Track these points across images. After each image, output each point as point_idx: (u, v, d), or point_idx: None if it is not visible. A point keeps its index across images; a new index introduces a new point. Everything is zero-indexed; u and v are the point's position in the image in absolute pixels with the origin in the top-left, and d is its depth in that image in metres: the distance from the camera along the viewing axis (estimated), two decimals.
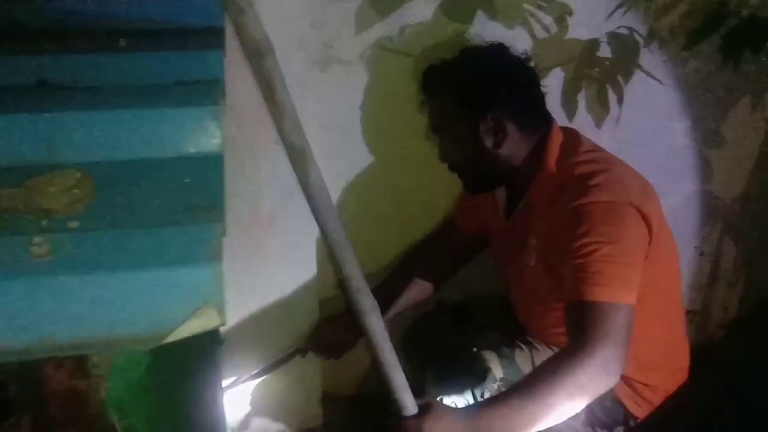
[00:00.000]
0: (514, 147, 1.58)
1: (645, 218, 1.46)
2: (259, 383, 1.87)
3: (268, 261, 1.81)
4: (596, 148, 1.61)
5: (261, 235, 1.78)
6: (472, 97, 1.58)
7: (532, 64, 1.68)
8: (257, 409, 1.94)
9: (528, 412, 1.30)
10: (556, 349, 1.67)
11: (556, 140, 1.59)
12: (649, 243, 1.47)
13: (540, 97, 1.66)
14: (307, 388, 2.00)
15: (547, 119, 1.64)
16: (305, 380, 1.97)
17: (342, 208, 1.94)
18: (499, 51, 1.64)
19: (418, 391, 1.56)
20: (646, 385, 1.57)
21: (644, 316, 1.45)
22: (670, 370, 1.64)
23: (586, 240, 1.40)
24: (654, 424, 1.41)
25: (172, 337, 0.69)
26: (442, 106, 1.64)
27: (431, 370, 1.70)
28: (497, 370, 1.63)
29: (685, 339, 1.72)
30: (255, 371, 1.83)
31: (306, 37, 1.74)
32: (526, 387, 1.34)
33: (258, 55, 0.99)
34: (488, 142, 1.58)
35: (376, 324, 1.19)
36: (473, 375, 1.63)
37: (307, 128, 1.65)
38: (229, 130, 1.68)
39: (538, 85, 1.66)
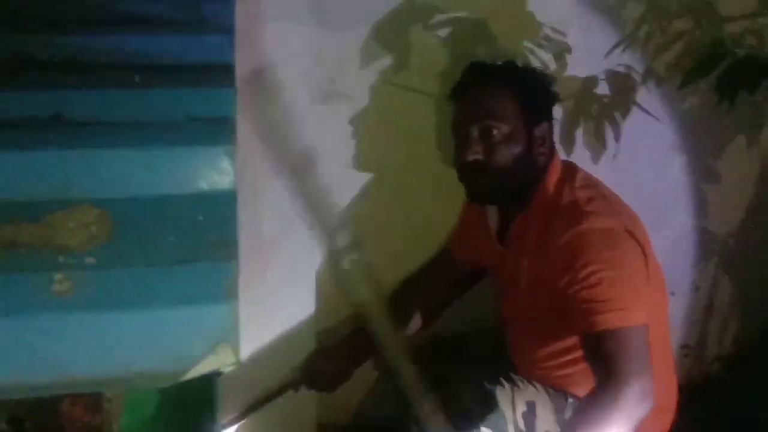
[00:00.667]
0: (543, 160, 1.61)
1: (639, 244, 1.48)
2: (252, 416, 1.86)
3: (267, 292, 1.80)
4: (592, 178, 1.64)
5: (260, 266, 1.79)
6: (537, 100, 1.62)
7: None
8: None
9: None
10: (538, 386, 1.66)
11: (557, 165, 1.62)
12: (645, 263, 1.49)
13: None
14: (301, 420, 1.98)
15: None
16: (299, 412, 1.96)
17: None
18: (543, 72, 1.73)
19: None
20: None
21: None
22: (657, 408, 1.63)
23: (589, 269, 1.41)
24: None
25: (189, 375, 0.70)
26: (507, 99, 1.59)
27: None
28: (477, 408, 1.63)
29: (673, 376, 1.72)
30: (248, 405, 1.81)
31: (309, 71, 1.77)
32: None
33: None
34: (535, 150, 1.60)
35: None
36: (456, 411, 1.62)
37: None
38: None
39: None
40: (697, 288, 2.37)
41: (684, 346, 2.43)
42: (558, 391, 1.66)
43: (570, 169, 1.64)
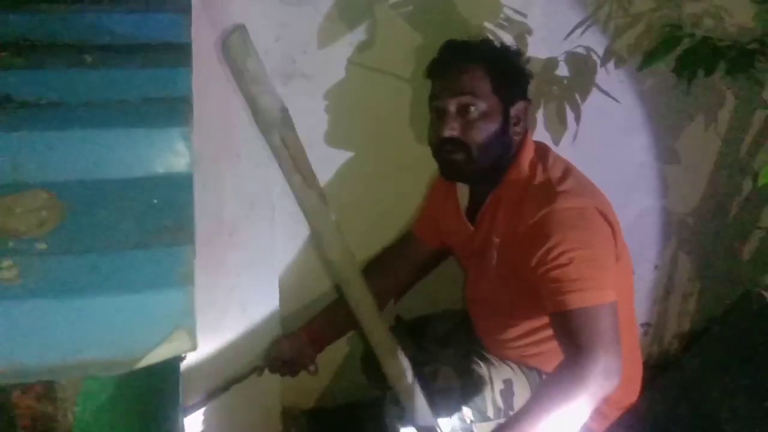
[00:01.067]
0: (517, 139, 1.63)
1: (609, 224, 1.50)
2: (217, 401, 1.85)
3: (229, 274, 1.79)
4: (562, 159, 1.67)
5: (222, 247, 1.77)
6: (513, 79, 1.64)
7: None
8: (217, 428, 1.91)
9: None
10: (513, 365, 1.68)
11: (530, 144, 1.64)
12: (615, 242, 1.52)
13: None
14: (266, 404, 1.98)
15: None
16: (264, 396, 1.96)
17: (303, 219, 1.95)
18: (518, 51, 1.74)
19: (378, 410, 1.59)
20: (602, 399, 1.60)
21: None
22: (625, 379, 1.66)
23: (560, 249, 1.44)
24: None
25: (144, 362, 0.68)
26: (481, 77, 1.60)
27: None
28: (457, 386, 1.65)
29: (638, 351, 1.75)
30: (213, 389, 1.81)
31: (270, 51, 1.74)
32: (538, 409, 1.38)
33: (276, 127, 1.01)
34: (512, 126, 1.62)
35: None
36: (435, 392, 1.64)
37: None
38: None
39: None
40: (656, 266, 2.41)
41: (644, 324, 2.47)
42: (531, 368, 1.68)
43: (542, 149, 1.66)
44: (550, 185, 1.52)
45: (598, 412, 1.59)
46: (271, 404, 2.00)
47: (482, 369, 1.67)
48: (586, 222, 1.47)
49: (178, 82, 0.95)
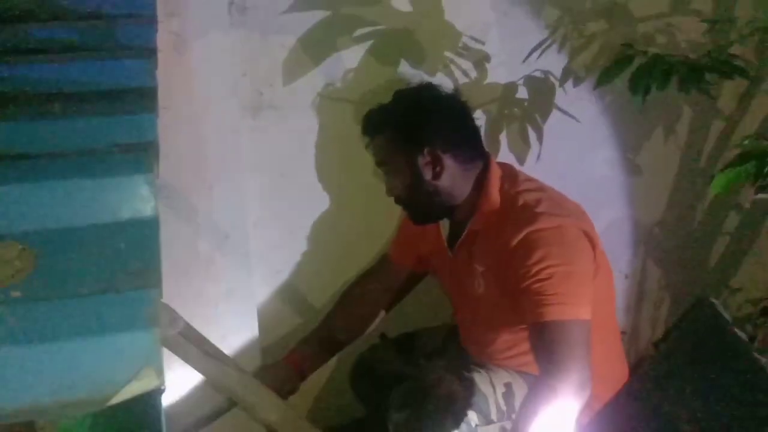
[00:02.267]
0: (452, 178, 1.66)
1: (588, 238, 1.58)
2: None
3: (207, 305, 1.82)
4: (532, 179, 1.71)
5: (199, 279, 1.81)
6: (408, 134, 1.66)
7: (463, 99, 1.76)
8: None
9: None
10: (509, 370, 1.72)
11: (495, 172, 1.68)
12: (594, 259, 1.58)
13: (474, 130, 1.74)
14: (251, 428, 2.00)
15: (483, 152, 1.73)
16: (249, 422, 1.98)
17: (279, 248, 1.99)
18: (428, 89, 1.73)
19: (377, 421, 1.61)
20: (594, 395, 1.63)
21: (600, 329, 1.55)
22: (611, 379, 1.70)
23: (542, 265, 1.49)
24: None
25: (115, 400, 0.72)
26: (383, 144, 1.70)
27: (397, 394, 1.72)
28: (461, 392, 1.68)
29: (623, 356, 1.82)
30: (197, 421, 1.82)
31: (237, 85, 1.79)
32: (523, 423, 1.45)
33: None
34: (427, 175, 1.65)
35: None
36: (441, 398, 1.67)
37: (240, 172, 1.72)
38: (164, 175, 1.72)
39: (471, 119, 1.75)
40: (626, 276, 2.46)
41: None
42: (525, 373, 1.71)
43: (510, 174, 1.70)
44: (528, 208, 1.57)
45: (588, 408, 1.62)
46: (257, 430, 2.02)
47: (482, 374, 1.71)
48: (566, 239, 1.53)
49: (143, 127, 0.99)
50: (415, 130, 1.66)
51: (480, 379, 1.69)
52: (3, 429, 0.73)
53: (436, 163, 1.64)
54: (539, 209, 1.56)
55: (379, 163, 1.73)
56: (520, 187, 1.64)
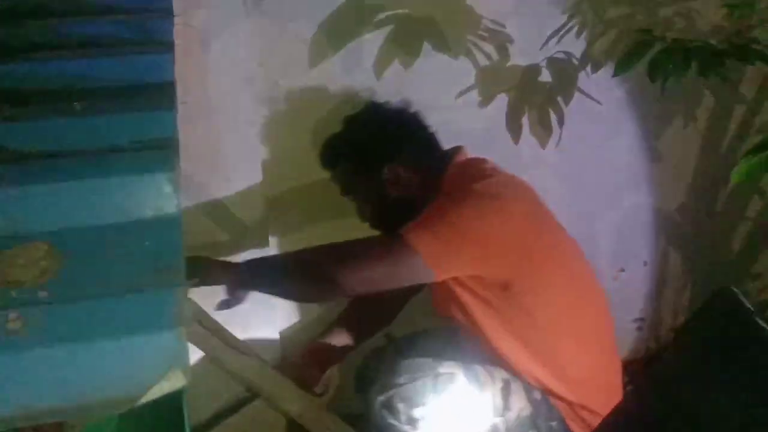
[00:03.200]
0: (417, 186, 1.66)
1: (522, 219, 1.53)
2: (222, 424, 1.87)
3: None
4: (498, 173, 1.65)
5: None
6: (363, 160, 1.68)
7: (411, 109, 1.74)
8: None
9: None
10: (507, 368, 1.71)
11: (451, 169, 1.65)
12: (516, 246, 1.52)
13: (427, 137, 1.73)
14: (271, 421, 2.01)
15: (442, 154, 1.71)
16: (269, 414, 1.98)
17: (299, 238, 1.99)
18: (374, 110, 1.74)
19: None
20: (583, 406, 1.61)
21: (566, 332, 1.55)
22: (600, 386, 1.66)
23: (440, 202, 1.51)
24: None
25: (142, 401, 0.73)
26: (343, 175, 1.73)
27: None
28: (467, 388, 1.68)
29: (615, 356, 1.74)
30: (217, 414, 1.83)
31: (253, 75, 1.79)
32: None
33: None
34: (392, 191, 1.66)
35: None
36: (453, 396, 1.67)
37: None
38: (182, 168, 1.72)
39: (422, 127, 1.73)
40: (646, 263, 2.45)
41: (638, 320, 2.51)
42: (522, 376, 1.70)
43: (475, 167, 1.66)
44: (466, 186, 1.55)
45: (581, 420, 1.62)
46: (276, 422, 2.03)
47: (484, 371, 1.70)
48: (476, 204, 1.50)
49: (164, 123, 1.00)
50: (369, 155, 1.67)
51: (484, 375, 1.67)
52: (31, 429, 0.74)
53: (398, 179, 1.65)
54: (474, 186, 1.54)
55: (344, 193, 1.75)
56: (476, 179, 1.59)
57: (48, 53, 1.12)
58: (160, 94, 1.09)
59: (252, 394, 1.78)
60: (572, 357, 1.59)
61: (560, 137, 2.12)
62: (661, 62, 1.70)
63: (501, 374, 1.69)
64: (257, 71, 1.82)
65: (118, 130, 0.97)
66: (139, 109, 1.03)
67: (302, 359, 1.83)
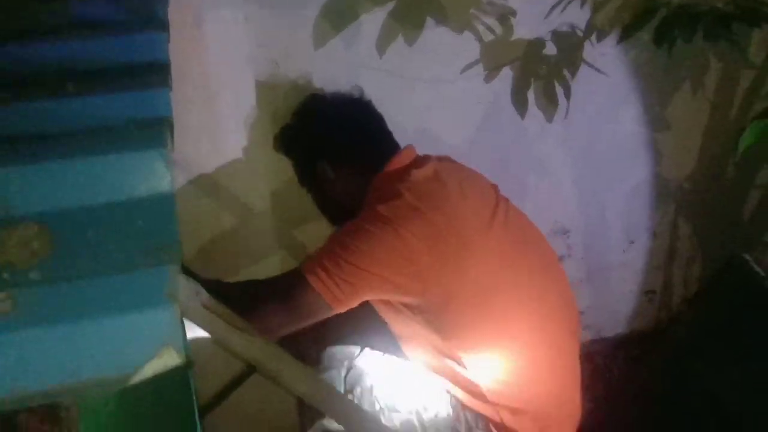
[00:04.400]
0: (350, 185, 1.60)
1: (425, 237, 1.42)
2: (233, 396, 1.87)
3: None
4: (442, 171, 1.56)
5: (223, 256, 1.81)
6: (300, 154, 1.67)
7: (358, 98, 1.69)
8: (234, 422, 1.94)
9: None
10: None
11: (379, 178, 1.56)
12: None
13: (369, 132, 1.65)
14: (282, 396, 2.01)
15: (383, 150, 1.61)
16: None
17: (302, 219, 1.98)
18: (311, 102, 1.71)
19: None
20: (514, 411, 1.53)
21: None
22: (558, 398, 1.57)
23: (349, 223, 1.45)
24: (608, 411, 1.46)
25: (136, 379, 0.72)
26: (293, 166, 1.71)
27: None
28: None
29: (569, 367, 1.60)
30: (216, 394, 1.82)
31: (253, 55, 1.78)
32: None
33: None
34: (327, 188, 1.63)
35: None
36: None
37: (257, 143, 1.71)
38: (183, 150, 1.71)
39: (364, 121, 1.67)
40: (655, 234, 2.43)
41: (649, 292, 2.50)
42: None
43: (411, 166, 1.57)
44: (373, 204, 1.47)
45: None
46: (287, 396, 2.02)
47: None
48: (372, 227, 1.41)
49: (157, 103, 0.98)
50: (304, 149, 1.65)
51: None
52: (26, 412, 0.74)
53: (328, 176, 1.61)
54: (379, 206, 1.44)
55: (301, 184, 1.72)
56: (385, 198, 1.48)
57: (37, 35, 1.11)
58: (154, 74, 1.07)
59: (249, 370, 1.77)
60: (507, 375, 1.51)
61: (567, 110, 2.09)
62: (667, 28, 1.67)
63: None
64: (257, 52, 1.80)
65: (112, 110, 0.96)
66: (133, 88, 1.02)
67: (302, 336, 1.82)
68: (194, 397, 0.87)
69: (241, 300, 1.35)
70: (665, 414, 1.17)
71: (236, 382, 1.74)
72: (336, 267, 1.38)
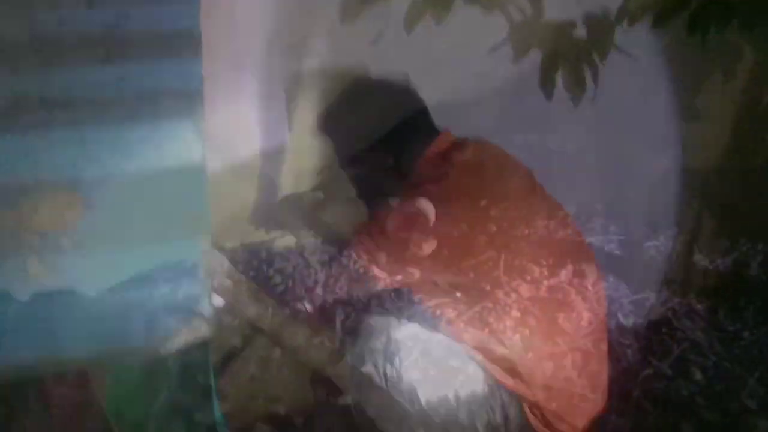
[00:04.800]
0: (392, 169, 1.59)
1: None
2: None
3: None
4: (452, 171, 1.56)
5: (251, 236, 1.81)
6: (342, 137, 1.61)
7: (401, 87, 1.63)
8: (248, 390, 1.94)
9: None
10: None
11: (422, 161, 1.57)
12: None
13: (410, 118, 1.59)
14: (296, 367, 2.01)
15: (425, 134, 1.59)
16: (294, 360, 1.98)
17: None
18: (360, 85, 1.63)
19: None
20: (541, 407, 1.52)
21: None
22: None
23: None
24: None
25: (167, 348, 0.73)
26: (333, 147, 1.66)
27: None
28: None
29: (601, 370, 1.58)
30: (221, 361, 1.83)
31: (281, 30, 1.77)
32: None
33: None
34: (368, 171, 1.60)
35: None
36: None
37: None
38: (212, 128, 1.72)
39: (407, 107, 1.61)
40: (678, 224, 2.40)
41: (670, 281, 2.47)
42: None
43: None
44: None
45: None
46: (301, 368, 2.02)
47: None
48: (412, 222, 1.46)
49: (188, 72, 0.98)
50: (350, 132, 1.60)
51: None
52: (54, 379, 0.74)
53: (373, 159, 1.59)
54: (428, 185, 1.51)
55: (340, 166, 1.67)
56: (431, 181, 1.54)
57: (76, 3, 1.11)
58: (185, 44, 1.07)
59: (247, 339, 1.78)
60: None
61: (595, 94, 2.06)
62: (701, 16, 1.64)
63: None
64: (285, 24, 1.78)
65: (144, 79, 0.96)
66: (164, 57, 1.02)
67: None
68: (211, 370, 0.87)
69: None
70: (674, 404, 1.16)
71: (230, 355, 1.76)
72: (381, 243, 1.43)
